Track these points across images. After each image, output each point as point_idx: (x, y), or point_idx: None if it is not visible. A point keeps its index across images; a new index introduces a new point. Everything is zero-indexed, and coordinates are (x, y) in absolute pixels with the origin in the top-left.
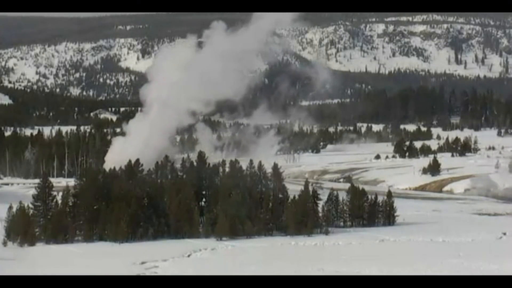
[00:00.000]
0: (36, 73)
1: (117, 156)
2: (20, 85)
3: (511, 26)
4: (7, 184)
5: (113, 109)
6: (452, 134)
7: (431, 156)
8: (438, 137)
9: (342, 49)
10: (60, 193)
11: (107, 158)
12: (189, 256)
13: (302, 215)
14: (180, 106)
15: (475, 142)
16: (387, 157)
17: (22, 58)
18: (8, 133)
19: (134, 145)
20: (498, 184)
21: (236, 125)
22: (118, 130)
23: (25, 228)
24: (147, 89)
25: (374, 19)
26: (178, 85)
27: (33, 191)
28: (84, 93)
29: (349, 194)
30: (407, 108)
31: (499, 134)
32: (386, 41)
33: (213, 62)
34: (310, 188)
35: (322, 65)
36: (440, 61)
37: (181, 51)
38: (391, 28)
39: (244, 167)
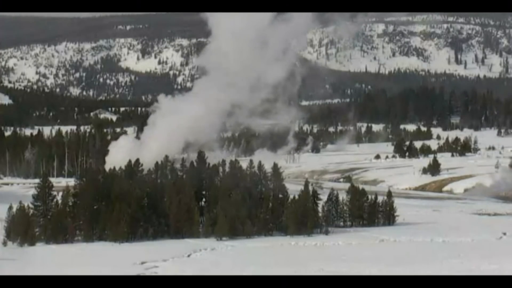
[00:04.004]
0: (36, 73)
1: (160, 138)
2: (20, 85)
3: (511, 26)
4: (7, 184)
5: (113, 109)
6: (452, 134)
7: (431, 156)
8: (438, 137)
9: (342, 49)
10: (60, 193)
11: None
12: (189, 256)
13: (302, 215)
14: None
15: (475, 142)
16: (387, 157)
17: (22, 58)
18: (8, 133)
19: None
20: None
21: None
22: (118, 130)
23: (25, 228)
24: (208, 49)
25: (374, 19)
26: (237, 56)
27: (33, 191)
28: (84, 93)
29: (349, 194)
30: (407, 108)
31: (499, 134)
32: (386, 41)
33: (277, 43)
34: (310, 188)
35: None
36: (440, 61)
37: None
38: (391, 28)
39: (244, 167)
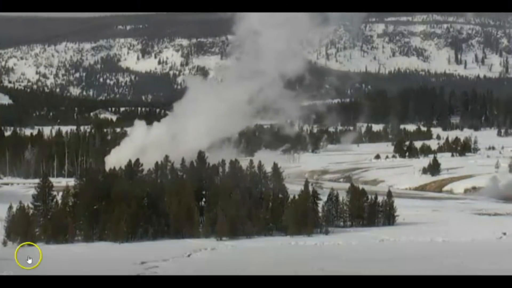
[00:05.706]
0: (36, 73)
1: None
2: (20, 85)
3: (511, 26)
4: (7, 184)
5: (113, 109)
6: (452, 134)
7: (431, 156)
8: (438, 137)
9: (342, 49)
10: (60, 193)
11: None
12: (189, 256)
13: (302, 215)
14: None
15: (475, 142)
16: (387, 157)
17: (22, 58)
18: (8, 133)
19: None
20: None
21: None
22: (118, 130)
23: (25, 228)
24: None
25: (374, 19)
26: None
27: (33, 191)
28: (84, 93)
29: (349, 194)
30: (407, 108)
31: (499, 134)
32: (386, 41)
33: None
34: (310, 188)
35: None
36: (440, 61)
37: None
38: (391, 28)
39: (244, 167)
